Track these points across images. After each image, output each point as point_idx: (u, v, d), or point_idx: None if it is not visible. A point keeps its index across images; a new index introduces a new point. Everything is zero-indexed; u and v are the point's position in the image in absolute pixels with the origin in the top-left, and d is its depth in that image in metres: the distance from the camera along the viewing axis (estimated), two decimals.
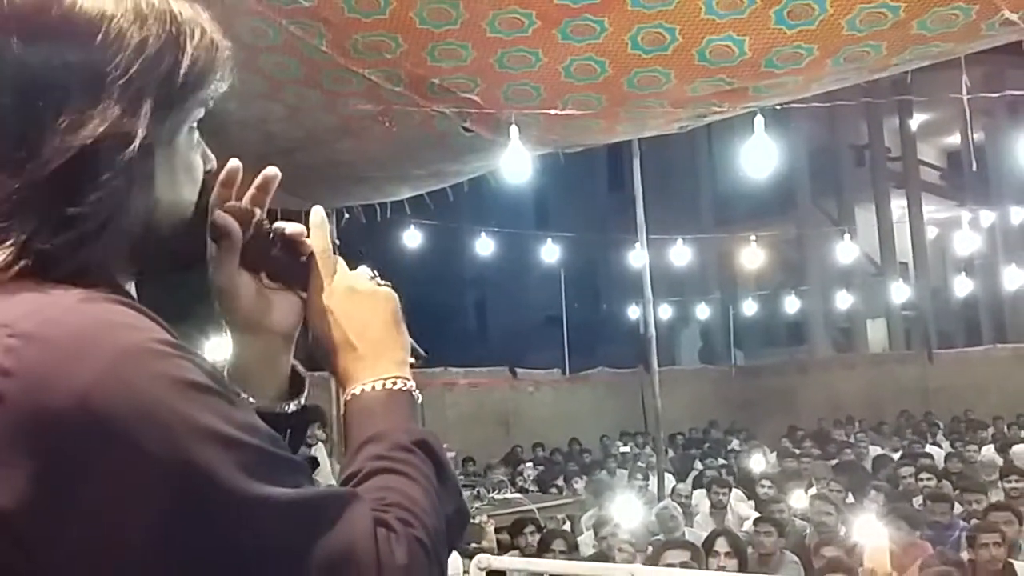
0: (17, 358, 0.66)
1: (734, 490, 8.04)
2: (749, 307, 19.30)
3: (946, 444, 11.70)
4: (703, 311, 20.10)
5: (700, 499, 8.24)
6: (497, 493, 8.57)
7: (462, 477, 9.53)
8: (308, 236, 0.97)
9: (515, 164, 5.04)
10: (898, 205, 20.70)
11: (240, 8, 3.86)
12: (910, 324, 20.59)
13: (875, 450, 11.28)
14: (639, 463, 11.00)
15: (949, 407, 14.92)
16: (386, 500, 0.79)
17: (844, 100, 5.96)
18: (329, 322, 0.94)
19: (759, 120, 4.76)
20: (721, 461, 11.47)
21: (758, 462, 9.90)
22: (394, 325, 0.96)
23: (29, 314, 0.69)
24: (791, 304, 18.40)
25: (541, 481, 10.10)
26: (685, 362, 21.20)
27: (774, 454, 11.11)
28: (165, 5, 0.81)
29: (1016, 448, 9.50)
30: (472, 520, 6.02)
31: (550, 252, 14.03)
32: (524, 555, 5.57)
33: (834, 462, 9.82)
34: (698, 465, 11.17)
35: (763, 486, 7.74)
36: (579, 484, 9.86)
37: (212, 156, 0.91)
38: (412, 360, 0.97)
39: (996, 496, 6.94)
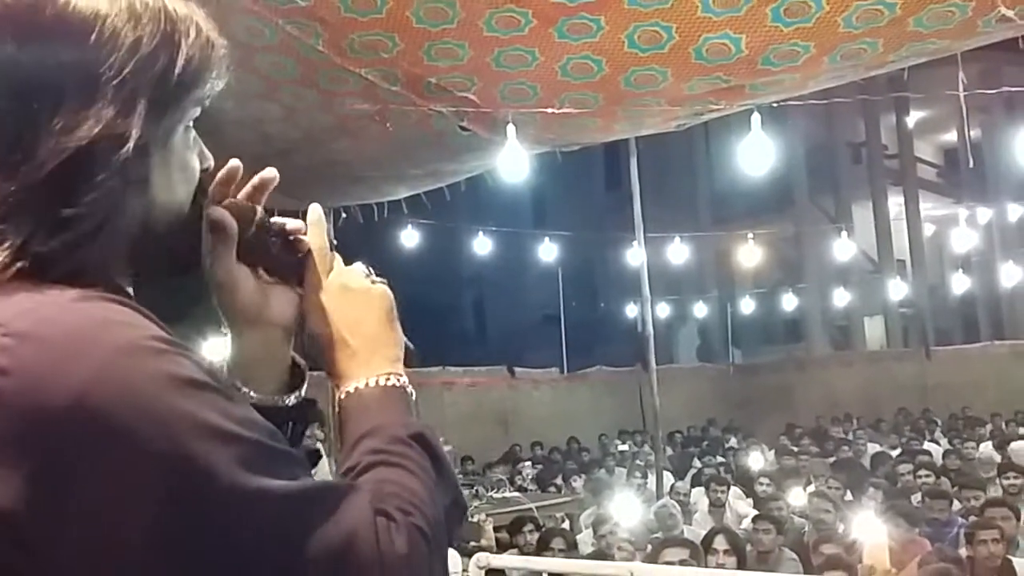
0: (13, 357, 0.66)
1: (733, 488, 8.05)
2: (747, 305, 19.31)
3: (944, 441, 11.73)
4: (701, 309, 20.13)
5: (699, 497, 8.25)
6: (496, 492, 8.55)
7: (461, 476, 9.52)
8: (306, 233, 0.97)
9: (512, 163, 5.04)
10: (895, 202, 20.68)
11: (235, 7, 3.85)
12: (908, 321, 20.60)
13: (873, 447, 11.30)
14: (637, 461, 11.00)
15: (947, 404, 14.95)
16: (385, 491, 0.79)
17: (841, 97, 5.95)
18: (324, 319, 0.94)
19: (756, 118, 4.76)
20: (719, 459, 11.50)
21: (756, 460, 9.93)
22: (388, 322, 0.96)
23: (24, 313, 0.68)
24: (789, 302, 18.41)
25: (540, 480, 10.11)
26: (683, 360, 21.17)
27: (772, 452, 11.14)
28: (160, 3, 0.80)
29: (1014, 445, 9.54)
30: (471, 519, 6.02)
31: (548, 251, 14.04)
32: (523, 554, 5.56)
33: (832, 459, 9.84)
34: (696, 463, 11.19)
35: (761, 484, 7.75)
36: (578, 483, 9.87)
37: (210, 155, 0.91)
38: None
39: (994, 492, 6.95)
